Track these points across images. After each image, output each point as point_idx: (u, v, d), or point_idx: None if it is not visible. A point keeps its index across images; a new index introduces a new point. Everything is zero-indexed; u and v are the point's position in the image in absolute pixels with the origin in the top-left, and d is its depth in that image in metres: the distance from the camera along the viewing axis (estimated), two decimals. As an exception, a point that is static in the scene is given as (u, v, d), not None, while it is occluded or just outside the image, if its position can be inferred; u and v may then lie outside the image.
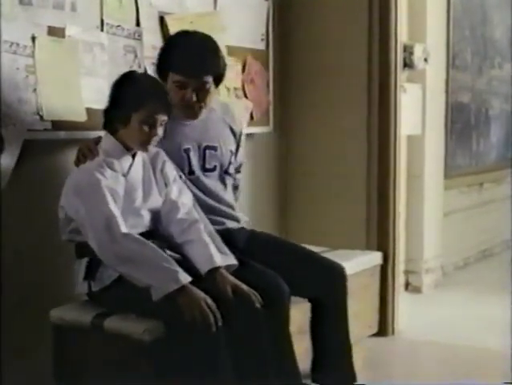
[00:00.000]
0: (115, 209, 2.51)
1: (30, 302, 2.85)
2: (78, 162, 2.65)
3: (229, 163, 3.04)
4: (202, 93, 2.83)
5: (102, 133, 2.81)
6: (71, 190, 2.57)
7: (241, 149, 3.16)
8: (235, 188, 3.17)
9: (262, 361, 2.57)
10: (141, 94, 2.58)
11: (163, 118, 2.60)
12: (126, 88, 2.61)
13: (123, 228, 2.49)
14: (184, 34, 2.91)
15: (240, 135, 3.15)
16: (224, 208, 3.00)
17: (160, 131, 2.61)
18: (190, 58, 2.79)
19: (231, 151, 3.04)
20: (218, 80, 2.89)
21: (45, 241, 2.86)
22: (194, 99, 2.82)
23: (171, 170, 2.80)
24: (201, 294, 2.43)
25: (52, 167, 2.88)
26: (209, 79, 2.82)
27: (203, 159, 2.96)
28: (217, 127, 3.02)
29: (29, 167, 2.78)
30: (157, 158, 2.77)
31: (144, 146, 2.63)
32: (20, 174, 2.75)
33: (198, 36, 2.88)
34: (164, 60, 2.86)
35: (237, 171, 3.17)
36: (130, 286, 2.49)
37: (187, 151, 2.92)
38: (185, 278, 2.44)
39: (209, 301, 2.43)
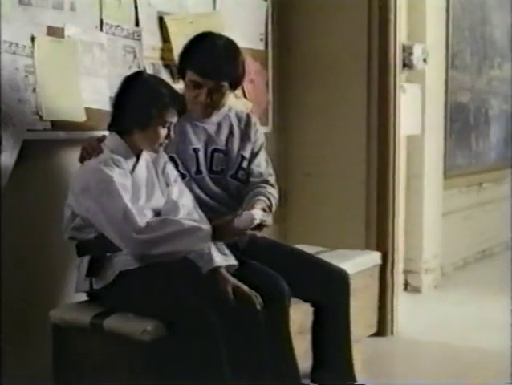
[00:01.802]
0: (129, 202, 2.50)
1: (30, 302, 2.85)
2: (82, 160, 2.66)
3: (239, 168, 3.03)
4: (217, 95, 2.86)
5: (101, 133, 2.82)
6: (79, 189, 2.56)
7: (258, 161, 3.08)
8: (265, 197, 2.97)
9: (262, 361, 2.58)
10: (161, 99, 2.58)
11: (176, 120, 2.64)
12: (143, 92, 2.60)
13: (140, 222, 2.47)
14: (207, 35, 2.91)
15: (257, 146, 3.09)
16: (226, 210, 2.99)
17: (172, 133, 2.65)
18: (210, 60, 2.82)
19: (242, 157, 3.03)
20: (235, 84, 2.91)
21: (45, 240, 2.86)
22: (208, 100, 2.85)
23: (172, 171, 2.82)
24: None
25: (51, 167, 2.88)
26: (226, 83, 2.84)
27: (210, 161, 2.97)
28: (228, 133, 3.02)
29: (28, 167, 2.78)
30: (159, 159, 2.78)
31: (158, 148, 2.65)
32: (19, 174, 2.75)
33: (221, 39, 2.90)
34: (185, 57, 2.89)
35: (263, 182, 3.05)
36: (131, 285, 2.50)
37: (196, 150, 2.94)
38: (208, 225, 2.53)
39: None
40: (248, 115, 3.14)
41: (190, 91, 2.85)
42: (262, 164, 3.10)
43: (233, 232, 2.55)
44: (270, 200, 2.94)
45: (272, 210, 2.94)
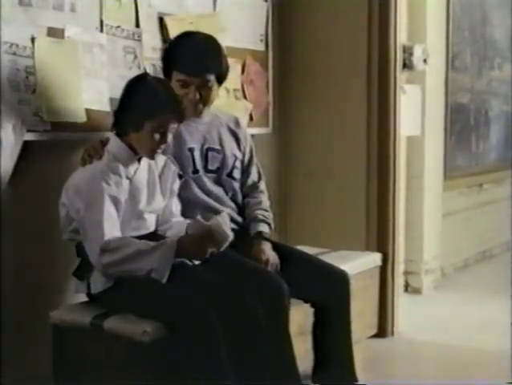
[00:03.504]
0: (107, 222, 2.51)
1: (30, 303, 2.85)
2: (83, 162, 2.65)
3: (233, 167, 3.05)
4: (205, 91, 2.89)
5: (101, 134, 2.82)
6: (73, 189, 2.57)
7: (253, 167, 3.16)
8: (260, 206, 3.11)
9: (261, 361, 2.57)
10: (157, 102, 2.58)
11: (174, 126, 2.62)
12: (141, 94, 2.60)
13: (107, 236, 2.49)
14: (187, 34, 2.97)
15: (248, 150, 3.15)
16: (224, 208, 3.01)
17: (169, 138, 2.63)
18: (192, 57, 2.86)
19: (235, 156, 3.06)
20: (221, 79, 2.94)
21: (45, 241, 2.86)
22: (197, 97, 2.88)
23: (170, 172, 2.82)
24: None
25: (52, 168, 2.87)
26: (211, 77, 2.88)
27: (205, 160, 2.99)
28: (219, 132, 3.06)
29: (28, 168, 2.78)
30: (160, 160, 2.78)
31: (152, 154, 2.64)
32: (19, 175, 2.75)
33: (201, 36, 2.95)
34: (168, 59, 2.93)
35: (255, 188, 3.15)
36: (129, 287, 2.51)
37: (191, 150, 2.96)
38: (172, 240, 2.53)
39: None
40: (236, 118, 3.19)
41: (178, 91, 2.85)
42: (254, 170, 3.18)
43: (200, 248, 2.54)
44: (267, 222, 3.06)
45: (271, 226, 3.07)
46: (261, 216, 3.05)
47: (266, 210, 3.10)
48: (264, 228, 3.03)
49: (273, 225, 3.09)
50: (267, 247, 2.97)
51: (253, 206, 3.09)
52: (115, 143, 2.65)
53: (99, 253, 2.48)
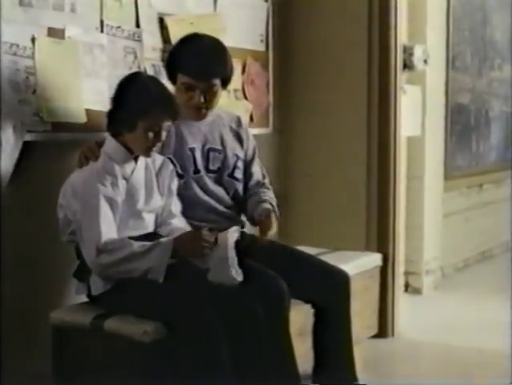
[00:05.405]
0: (103, 223, 2.51)
1: (30, 303, 2.85)
2: (80, 164, 2.66)
3: (235, 167, 3.05)
4: (210, 95, 2.88)
5: (101, 135, 2.82)
6: (70, 191, 2.58)
7: (256, 166, 3.15)
8: (266, 202, 3.04)
9: (262, 361, 2.57)
10: (149, 101, 2.57)
11: (168, 124, 2.62)
12: (133, 93, 2.60)
13: (103, 237, 2.49)
14: (193, 36, 2.94)
15: (251, 148, 3.14)
16: (225, 209, 3.01)
17: (163, 136, 2.63)
18: (199, 61, 2.84)
19: (237, 156, 3.06)
20: (226, 82, 2.94)
21: (45, 241, 2.86)
22: (202, 100, 2.87)
23: (167, 172, 2.82)
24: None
25: (52, 168, 2.87)
26: (217, 81, 2.88)
27: (206, 160, 2.99)
28: (221, 132, 3.05)
29: (28, 168, 2.78)
30: (156, 160, 2.78)
31: (148, 152, 2.64)
32: (19, 175, 2.75)
33: (207, 39, 2.93)
34: (174, 62, 2.92)
35: (261, 185, 3.12)
36: (129, 287, 2.51)
37: (192, 150, 2.96)
38: (168, 239, 2.54)
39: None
40: (238, 117, 3.18)
41: (183, 94, 2.85)
42: (257, 168, 3.17)
43: (195, 249, 2.53)
44: (273, 205, 3.00)
45: (276, 214, 2.98)
46: (268, 199, 3.01)
47: (274, 200, 3.06)
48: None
49: (278, 213, 3.02)
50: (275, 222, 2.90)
51: (260, 194, 3.05)
52: (110, 144, 2.65)
53: (96, 254, 2.48)
